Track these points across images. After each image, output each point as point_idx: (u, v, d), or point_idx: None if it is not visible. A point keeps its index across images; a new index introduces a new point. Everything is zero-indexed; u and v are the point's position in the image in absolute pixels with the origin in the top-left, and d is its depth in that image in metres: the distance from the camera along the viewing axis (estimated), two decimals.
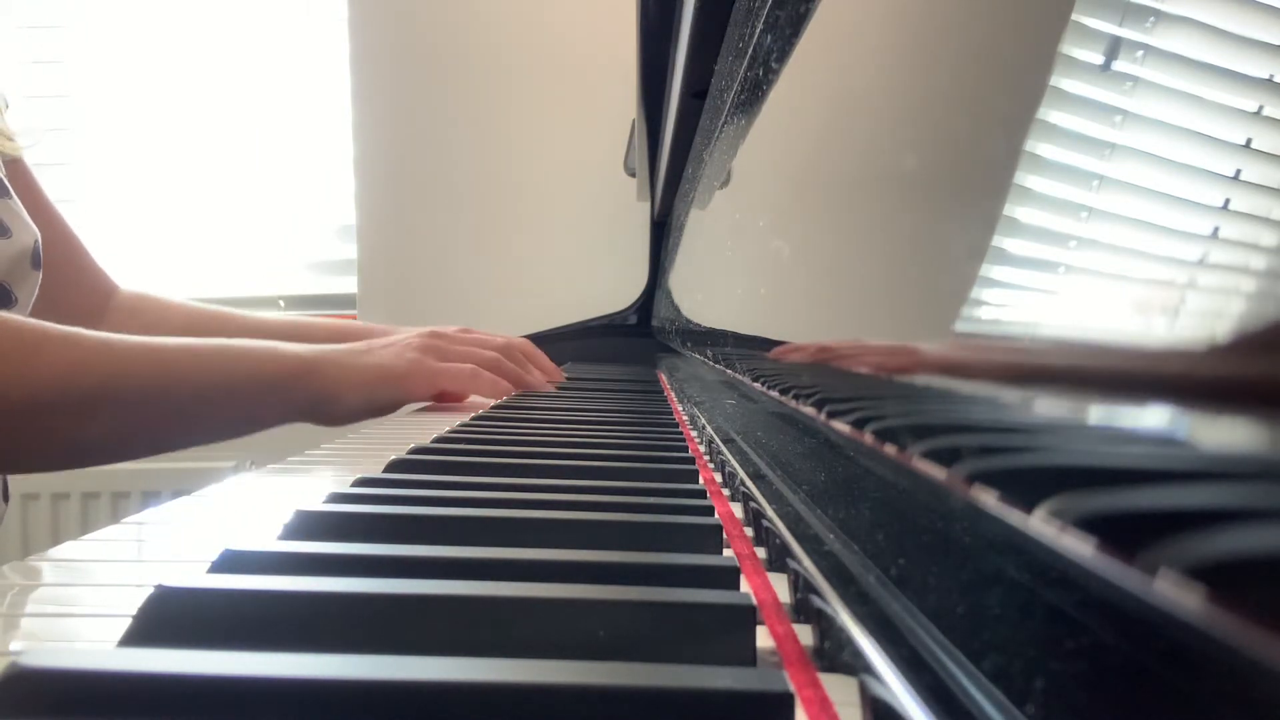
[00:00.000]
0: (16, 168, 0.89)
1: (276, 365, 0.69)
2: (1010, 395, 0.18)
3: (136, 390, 0.62)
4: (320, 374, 0.70)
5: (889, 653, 0.19)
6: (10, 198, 0.82)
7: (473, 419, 0.61)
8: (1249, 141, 0.12)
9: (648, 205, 1.39)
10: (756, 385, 0.44)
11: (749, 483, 0.39)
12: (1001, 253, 0.19)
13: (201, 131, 1.70)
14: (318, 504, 0.31)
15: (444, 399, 0.81)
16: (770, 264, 0.45)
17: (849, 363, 0.27)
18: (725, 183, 0.66)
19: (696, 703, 0.17)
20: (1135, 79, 0.15)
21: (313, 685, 0.16)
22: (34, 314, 0.76)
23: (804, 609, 0.25)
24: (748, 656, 0.20)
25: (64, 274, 0.89)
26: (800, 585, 0.25)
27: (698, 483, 0.40)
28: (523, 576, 0.24)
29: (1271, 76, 0.12)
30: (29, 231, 0.82)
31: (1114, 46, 0.16)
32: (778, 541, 0.29)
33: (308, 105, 1.68)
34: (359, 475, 0.36)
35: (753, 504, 0.36)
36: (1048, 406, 0.16)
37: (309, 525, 0.29)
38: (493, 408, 0.69)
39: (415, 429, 0.64)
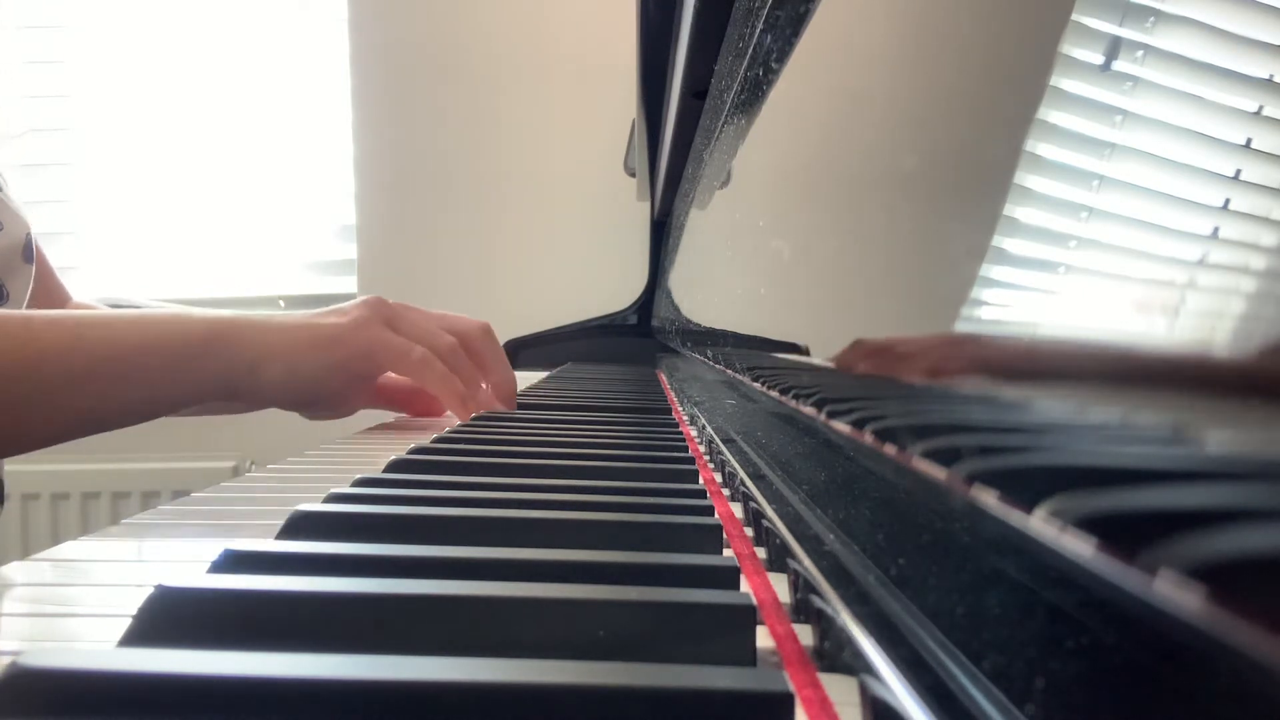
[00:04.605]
0: None
1: (185, 329, 0.57)
2: (1010, 395, 0.18)
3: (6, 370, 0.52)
4: (235, 340, 0.58)
5: (889, 653, 0.19)
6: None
7: (474, 419, 0.61)
8: (1249, 141, 0.12)
9: (648, 205, 1.39)
10: (756, 385, 0.44)
11: (749, 483, 0.39)
12: (1001, 253, 0.19)
13: (201, 131, 1.70)
14: (317, 504, 0.31)
15: (386, 394, 0.69)
16: (770, 264, 0.45)
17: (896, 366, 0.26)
18: (725, 183, 0.66)
19: (696, 703, 0.17)
20: (1135, 79, 0.15)
21: (313, 685, 0.16)
22: None
23: (804, 609, 0.25)
24: (748, 656, 0.20)
25: None
26: (800, 585, 0.25)
27: (698, 483, 0.40)
28: (523, 576, 0.24)
29: (1271, 76, 0.12)
30: (20, 224, 0.80)
31: (1114, 46, 0.16)
32: (778, 541, 0.29)
33: (308, 105, 1.68)
34: (359, 475, 0.36)
35: (753, 504, 0.36)
36: (1047, 406, 0.16)
37: (309, 525, 0.29)
38: None
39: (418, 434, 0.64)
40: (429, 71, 1.62)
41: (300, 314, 0.62)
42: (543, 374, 1.16)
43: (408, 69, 1.62)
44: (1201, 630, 0.11)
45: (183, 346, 0.57)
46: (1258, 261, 0.12)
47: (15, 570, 0.28)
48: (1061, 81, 0.18)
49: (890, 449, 0.22)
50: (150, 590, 0.20)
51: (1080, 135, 0.17)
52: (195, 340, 0.57)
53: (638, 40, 0.89)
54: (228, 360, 0.58)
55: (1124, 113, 0.16)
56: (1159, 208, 0.14)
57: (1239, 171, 0.12)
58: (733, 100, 0.61)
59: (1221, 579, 0.11)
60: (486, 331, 0.69)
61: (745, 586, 0.26)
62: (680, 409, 0.74)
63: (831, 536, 0.27)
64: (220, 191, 1.70)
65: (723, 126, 0.67)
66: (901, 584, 0.22)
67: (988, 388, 0.19)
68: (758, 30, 0.51)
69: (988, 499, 0.17)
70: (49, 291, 0.88)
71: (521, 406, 0.69)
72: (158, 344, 0.56)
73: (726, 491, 0.41)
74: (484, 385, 0.67)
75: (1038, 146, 0.18)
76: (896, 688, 0.18)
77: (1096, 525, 0.13)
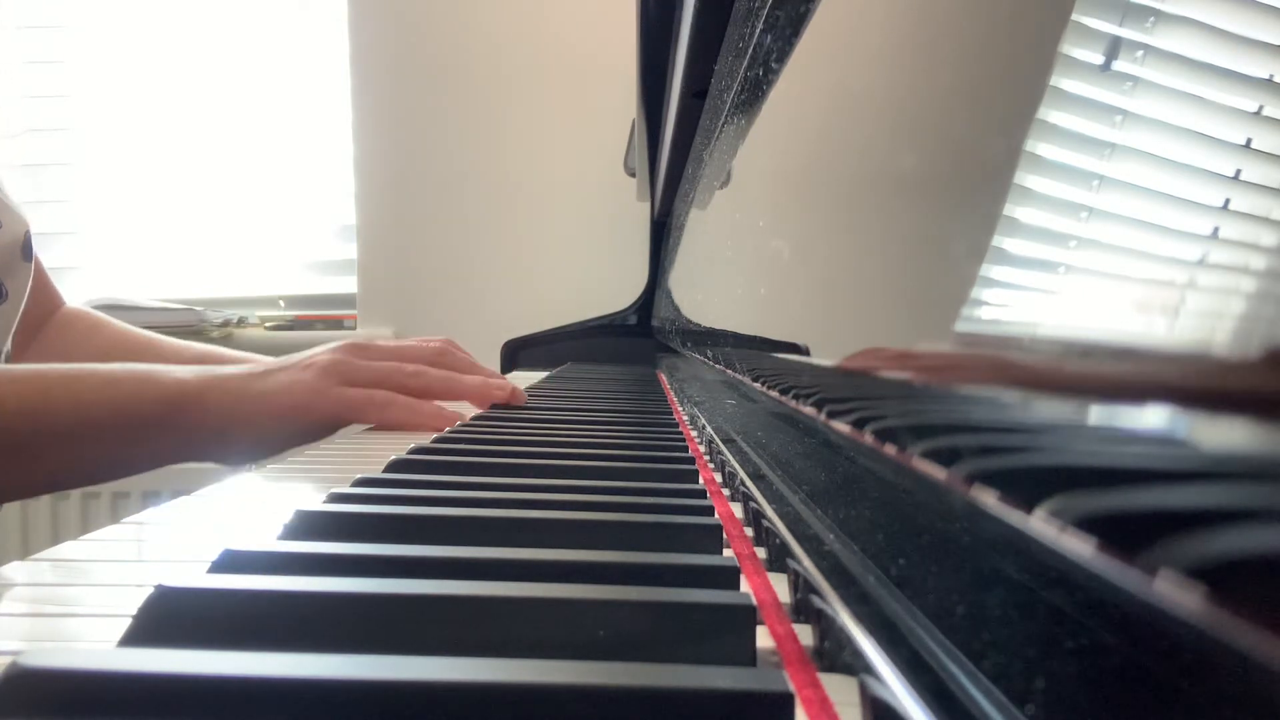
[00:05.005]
0: None
1: (151, 394, 0.57)
2: (1010, 395, 0.18)
3: None
4: (203, 405, 0.58)
5: (889, 653, 0.19)
6: None
7: (473, 419, 0.61)
8: (1249, 141, 0.12)
9: (648, 205, 1.39)
10: (756, 385, 0.44)
11: (749, 483, 0.39)
12: (1001, 253, 0.19)
13: (202, 131, 1.70)
14: (318, 504, 0.31)
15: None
16: (770, 264, 0.45)
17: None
18: (725, 183, 0.66)
19: (696, 703, 0.17)
20: (1135, 79, 0.15)
21: (313, 685, 0.16)
22: None
23: (804, 609, 0.25)
24: (748, 656, 0.20)
25: None
26: (800, 585, 0.25)
27: (698, 483, 0.40)
28: (523, 576, 0.24)
29: (1271, 76, 0.12)
30: (19, 222, 0.78)
31: (1114, 46, 0.16)
32: (778, 541, 0.29)
33: (308, 105, 1.68)
34: (359, 475, 0.36)
35: (753, 504, 0.36)
36: (1047, 407, 0.16)
37: (309, 525, 0.29)
38: (492, 408, 0.69)
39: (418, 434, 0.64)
40: (429, 71, 1.62)
41: (270, 367, 0.62)
42: (543, 374, 1.16)
43: (408, 69, 1.62)
44: (1201, 630, 0.11)
45: (143, 415, 0.57)
46: (1258, 261, 0.12)
47: (15, 570, 0.28)
48: (1061, 81, 0.18)
49: (890, 449, 0.22)
50: (150, 590, 0.20)
51: (1080, 135, 0.17)
52: (161, 407, 0.57)
53: (638, 40, 0.89)
54: (191, 429, 0.58)
55: (1124, 113, 0.16)
56: (1159, 208, 0.14)
57: (1239, 171, 0.12)
58: (733, 100, 0.61)
59: (1221, 579, 0.11)
60: (447, 349, 0.69)
61: (745, 586, 0.26)
62: (680, 409, 0.74)
63: (831, 536, 0.27)
64: (220, 191, 1.70)
65: (723, 126, 0.67)
66: (901, 584, 0.22)
67: (988, 389, 0.19)
68: (758, 30, 0.51)
69: (988, 499, 0.17)
70: (40, 290, 0.87)
71: (521, 406, 0.69)
72: (122, 410, 0.56)
73: (726, 491, 0.41)
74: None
75: (1038, 146, 0.18)
76: (896, 688, 0.18)
77: (1096, 525, 0.13)
